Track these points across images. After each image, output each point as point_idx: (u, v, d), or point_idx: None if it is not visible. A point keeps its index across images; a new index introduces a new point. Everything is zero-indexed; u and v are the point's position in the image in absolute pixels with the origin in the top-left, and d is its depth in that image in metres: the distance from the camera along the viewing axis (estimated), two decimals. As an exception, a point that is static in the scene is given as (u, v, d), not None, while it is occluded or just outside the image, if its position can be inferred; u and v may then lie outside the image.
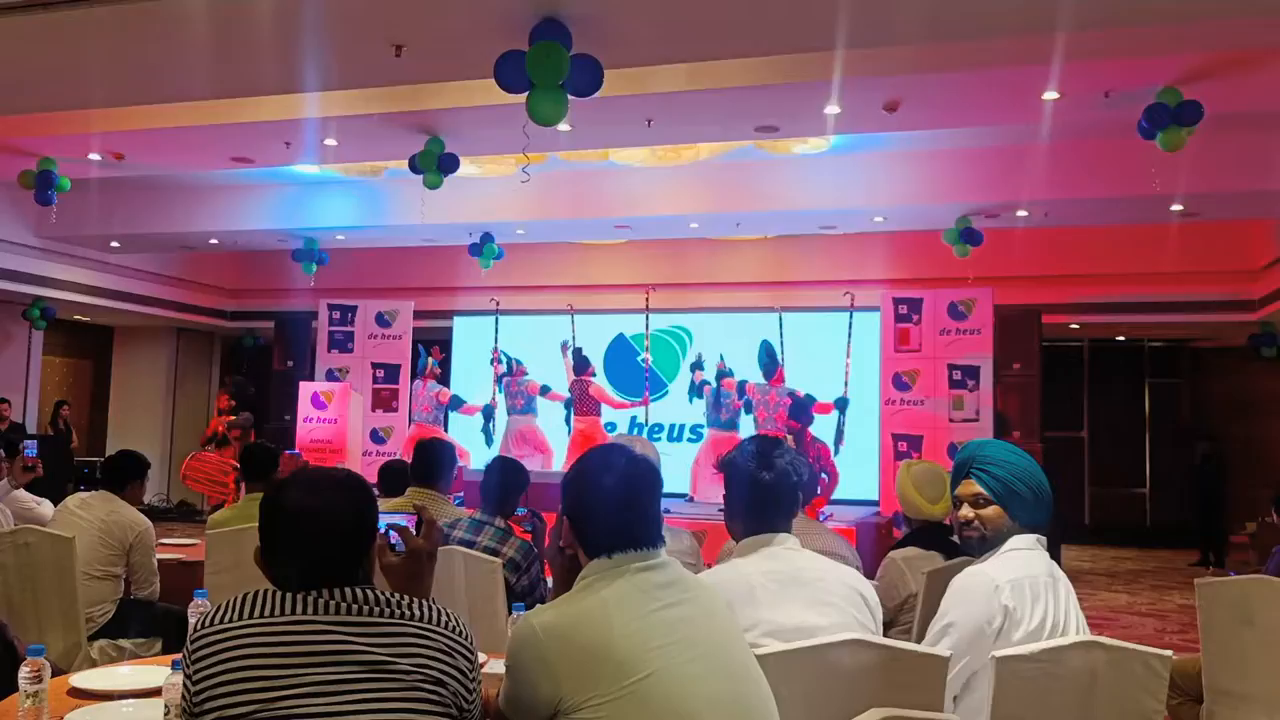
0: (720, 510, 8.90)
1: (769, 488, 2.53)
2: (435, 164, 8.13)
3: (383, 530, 2.03)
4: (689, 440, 13.47)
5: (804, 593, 2.40)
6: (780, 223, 11.58)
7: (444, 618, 1.79)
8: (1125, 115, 7.22)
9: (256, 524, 4.51)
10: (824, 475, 9.32)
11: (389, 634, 1.71)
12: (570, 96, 5.06)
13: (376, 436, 13.32)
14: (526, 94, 4.98)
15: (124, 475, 4.75)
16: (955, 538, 2.94)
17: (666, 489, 7.87)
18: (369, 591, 1.76)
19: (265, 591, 1.77)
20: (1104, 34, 5.76)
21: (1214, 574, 11.69)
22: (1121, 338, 14.94)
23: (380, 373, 13.52)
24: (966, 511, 2.76)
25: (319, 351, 13.68)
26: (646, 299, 12.66)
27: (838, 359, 11.63)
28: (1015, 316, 11.75)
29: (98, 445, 16.04)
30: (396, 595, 1.78)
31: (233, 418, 10.08)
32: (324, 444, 11.92)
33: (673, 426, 13.86)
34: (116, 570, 4.54)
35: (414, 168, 8.21)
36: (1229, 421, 14.40)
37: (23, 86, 5.97)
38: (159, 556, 4.88)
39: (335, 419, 11.90)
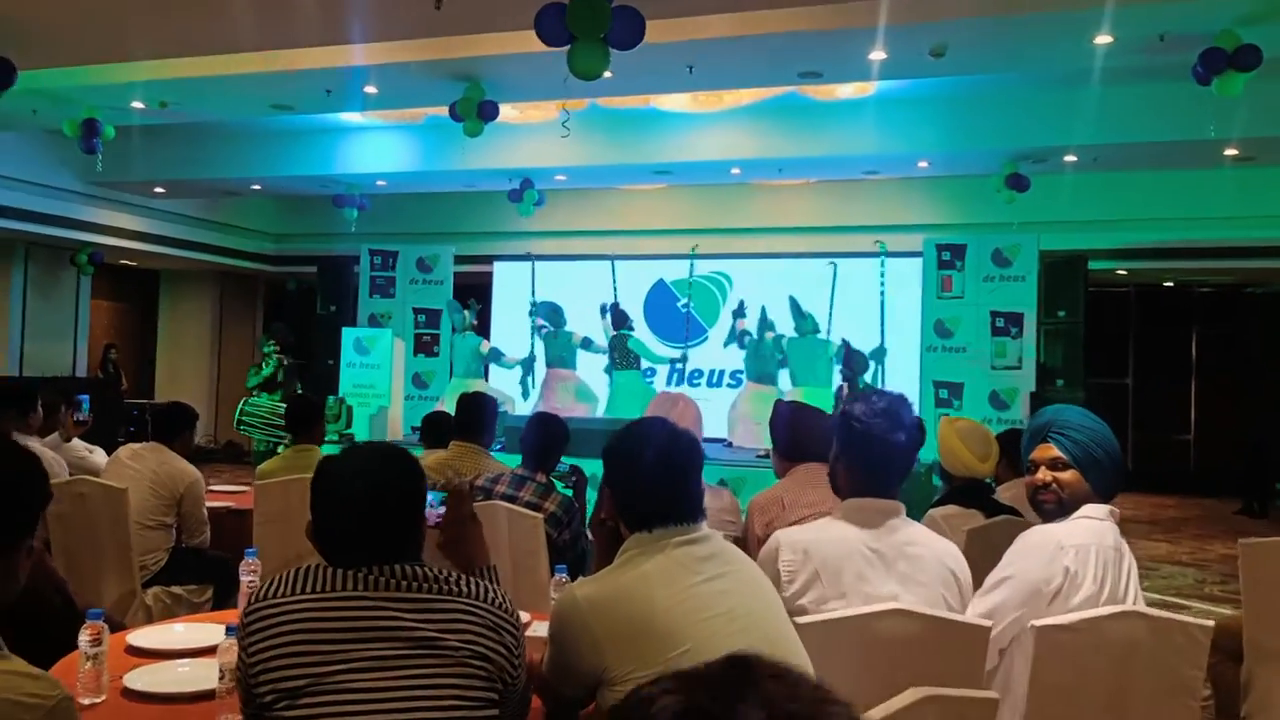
0: (761, 456, 8.94)
1: (898, 451, 2.40)
2: (475, 111, 8.09)
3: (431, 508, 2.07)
4: (729, 385, 13.47)
5: (899, 568, 2.35)
6: (823, 168, 11.44)
7: (490, 594, 1.82)
8: (1180, 58, 7.03)
9: (302, 475, 4.59)
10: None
11: (437, 610, 1.75)
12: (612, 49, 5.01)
13: (419, 381, 13.46)
14: (567, 47, 4.94)
15: (174, 426, 4.85)
16: (1030, 502, 2.84)
17: (706, 434, 7.85)
18: (418, 568, 1.80)
19: (317, 566, 1.80)
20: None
21: (1256, 522, 11.64)
22: (1170, 283, 14.68)
23: (422, 317, 13.62)
24: (1044, 475, 2.68)
25: (361, 297, 13.80)
26: (693, 250, 12.58)
27: (879, 306, 11.53)
28: (1060, 263, 11.57)
29: (146, 388, 16.34)
30: (445, 572, 1.81)
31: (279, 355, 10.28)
32: (366, 388, 12.05)
33: (711, 372, 13.86)
34: (168, 520, 4.65)
35: (454, 115, 8.18)
36: (1277, 369, 14.16)
37: (66, 40, 6.01)
38: (209, 505, 4.99)
39: (378, 364, 12.01)
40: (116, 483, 4.49)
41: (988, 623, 2.29)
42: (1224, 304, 14.81)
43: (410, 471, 1.86)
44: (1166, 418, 14.87)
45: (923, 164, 10.83)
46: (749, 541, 3.57)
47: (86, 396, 5.61)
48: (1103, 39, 6.98)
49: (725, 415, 12.07)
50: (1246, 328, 14.62)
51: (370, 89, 8.55)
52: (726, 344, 12.24)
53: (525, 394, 12.43)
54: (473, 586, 1.80)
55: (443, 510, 2.24)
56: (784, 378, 11.64)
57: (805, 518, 3.04)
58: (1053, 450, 2.68)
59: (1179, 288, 14.82)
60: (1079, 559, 2.49)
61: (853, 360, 10.04)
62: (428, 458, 4.55)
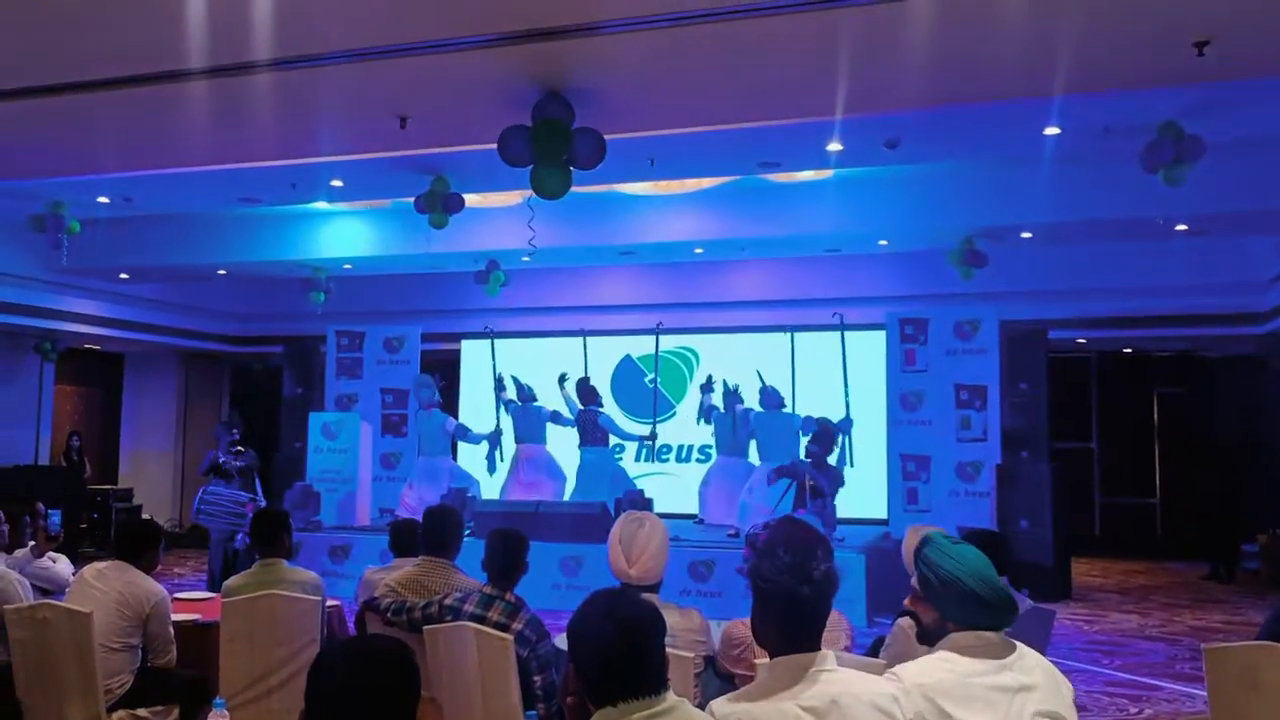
0: (731, 535, 8.95)
1: (805, 605, 2.38)
2: (441, 204, 8.20)
3: None
4: (697, 460, 13.52)
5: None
6: (784, 247, 11.61)
7: None
8: (1128, 145, 7.26)
9: (269, 591, 4.54)
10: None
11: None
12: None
13: (387, 462, 13.40)
14: (530, 168, 5.04)
15: (138, 545, 4.79)
16: None
17: (676, 510, 8.00)
18: None
19: None
20: (1101, 72, 5.79)
21: (1224, 588, 11.74)
22: (1129, 350, 14.94)
23: (389, 398, 13.61)
24: (908, 601, 2.75)
25: (328, 377, 13.77)
26: (658, 327, 12.67)
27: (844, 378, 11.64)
28: (1021, 335, 11.76)
29: (110, 472, 16.14)
30: None
31: (239, 449, 10.19)
32: (334, 473, 11.99)
33: (680, 447, 13.91)
34: (134, 640, 4.59)
35: (419, 208, 8.27)
36: (1238, 429, 14.38)
37: (35, 158, 6.06)
38: (174, 618, 4.93)
39: (345, 449, 11.96)
40: (81, 605, 4.43)
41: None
42: (1181, 369, 15.06)
43: (405, 672, 1.87)
44: (1131, 481, 15.03)
45: (882, 242, 11.02)
46: (718, 664, 3.59)
47: (58, 512, 5.55)
48: (1050, 130, 7.20)
49: (695, 490, 12.13)
50: (1203, 391, 14.87)
51: (336, 182, 8.64)
52: (698, 420, 12.31)
53: (492, 469, 12.38)
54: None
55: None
56: (753, 451, 11.71)
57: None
58: (914, 579, 2.72)
59: (1137, 354, 15.07)
60: (923, 701, 2.45)
61: (818, 437, 10.13)
62: (397, 572, 4.54)
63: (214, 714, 2.92)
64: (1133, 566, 13.56)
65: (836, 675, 2.38)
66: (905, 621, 3.95)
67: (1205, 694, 3.96)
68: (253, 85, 4.89)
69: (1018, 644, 2.58)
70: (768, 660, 2.51)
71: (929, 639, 2.64)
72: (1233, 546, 12.62)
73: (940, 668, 2.47)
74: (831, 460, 10.24)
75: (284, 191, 8.82)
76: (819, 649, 2.41)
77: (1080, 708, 6.33)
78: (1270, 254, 12.02)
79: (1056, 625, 6.43)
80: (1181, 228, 9.84)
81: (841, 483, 10.15)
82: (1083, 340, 13.87)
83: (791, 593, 2.38)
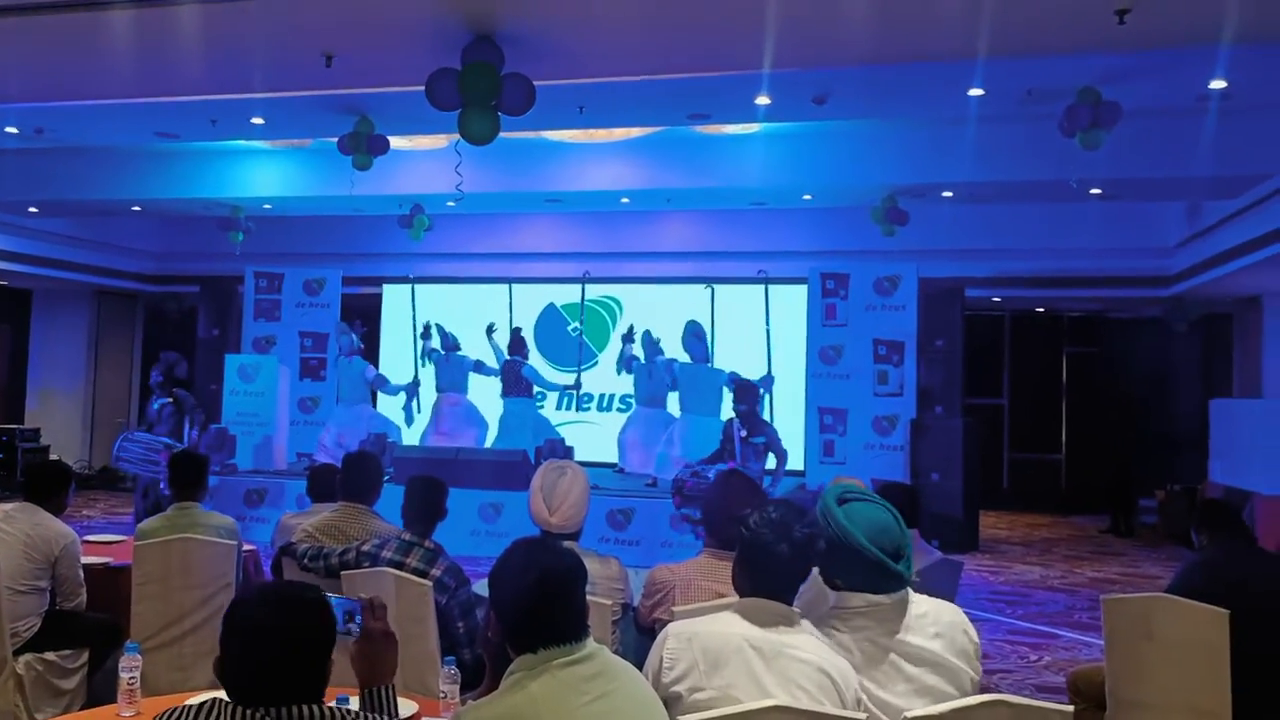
0: (649, 485, 9.03)
1: (782, 561, 2.49)
2: (364, 145, 8.05)
3: (338, 617, 2.10)
4: (619, 410, 13.58)
5: (779, 666, 2.40)
6: (710, 199, 11.65)
7: None
8: (1047, 108, 7.41)
9: (184, 535, 4.48)
10: (774, 457, 9.57)
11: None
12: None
13: (305, 406, 13.23)
14: (458, 112, 4.97)
15: (47, 486, 4.68)
16: None
17: (596, 459, 8.12)
18: (316, 709, 1.84)
19: (215, 702, 1.85)
20: (1026, 37, 5.89)
21: (1122, 541, 12.22)
22: (1041, 309, 15.33)
23: (308, 341, 13.41)
24: None
25: (245, 320, 13.50)
26: (584, 276, 12.63)
27: (765, 333, 11.73)
28: (938, 293, 11.99)
29: (17, 411, 15.66)
30: (343, 711, 1.86)
31: (168, 400, 9.82)
32: (251, 416, 11.81)
33: (602, 397, 13.96)
34: (42, 583, 4.50)
35: (343, 149, 8.11)
36: (1142, 389, 14.91)
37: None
38: (84, 560, 4.84)
39: (261, 392, 11.76)
40: (-14, 548, 4.33)
41: (862, 715, 2.40)
42: (1091, 329, 15.53)
43: (320, 618, 1.89)
44: (1039, 438, 15.51)
45: (806, 196, 11.11)
46: (638, 613, 3.64)
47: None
48: (975, 91, 7.31)
49: (615, 439, 12.19)
50: (1111, 351, 15.36)
51: (257, 120, 8.41)
52: (618, 370, 12.34)
53: (409, 419, 12.30)
54: (367, 726, 1.84)
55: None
56: (673, 401, 11.80)
57: (699, 601, 3.13)
58: None
59: (1049, 314, 15.48)
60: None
61: (745, 394, 10.18)
62: (315, 518, 4.51)
63: (125, 657, 2.89)
64: (1038, 520, 14.03)
65: (793, 631, 2.46)
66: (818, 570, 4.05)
67: (1101, 642, 4.13)
68: (175, 17, 4.73)
69: (918, 599, 2.66)
70: (711, 603, 2.58)
71: (830, 584, 2.70)
72: (1132, 502, 13.11)
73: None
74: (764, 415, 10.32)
75: (204, 128, 8.55)
76: (790, 605, 2.49)
77: (983, 655, 6.60)
78: (1180, 219, 12.40)
79: (964, 576, 6.64)
80: (1096, 191, 10.09)
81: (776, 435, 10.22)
82: (998, 299, 14.19)
83: (769, 547, 2.49)
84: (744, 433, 9.23)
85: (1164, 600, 3.97)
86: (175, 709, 1.88)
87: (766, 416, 10.85)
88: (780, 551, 2.48)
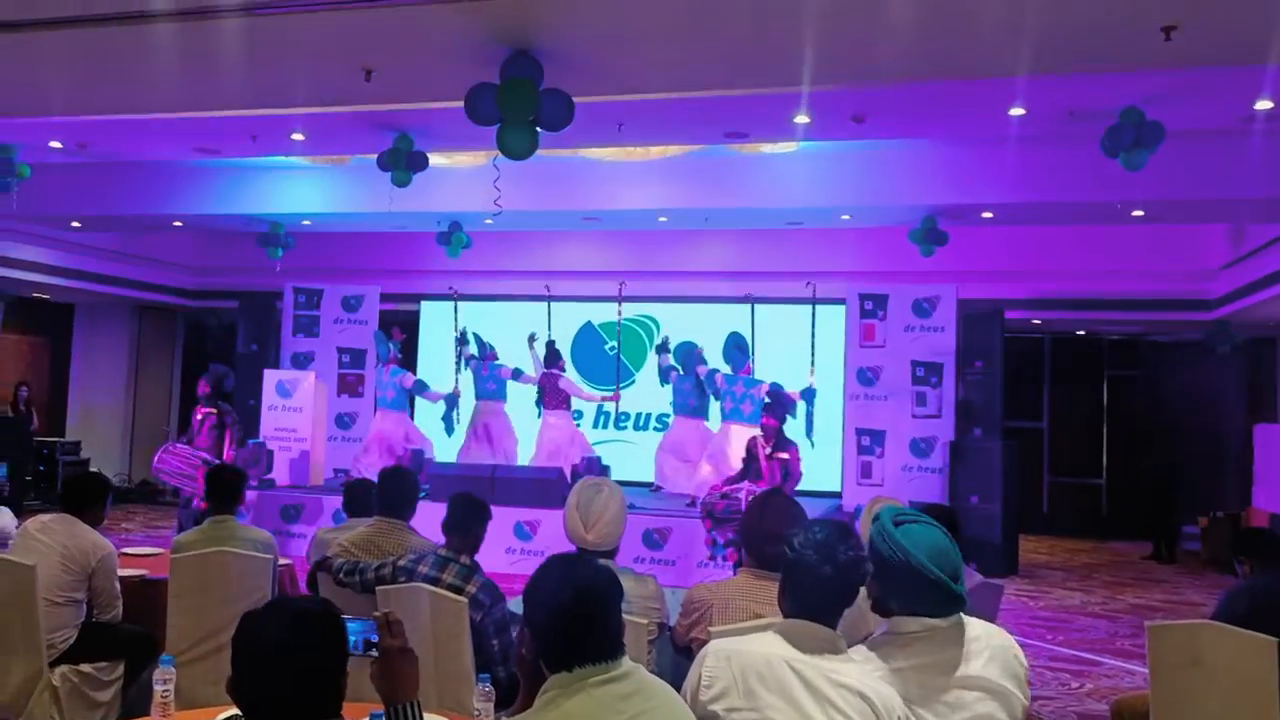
0: (689, 505, 8.94)
1: (827, 583, 2.44)
2: (404, 162, 8.08)
3: (353, 643, 2.06)
4: (655, 429, 13.54)
5: (821, 691, 2.35)
6: (748, 218, 11.62)
7: None
8: (1089, 128, 7.32)
9: (219, 548, 4.50)
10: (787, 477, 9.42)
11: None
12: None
13: (342, 422, 13.30)
14: (497, 127, 4.98)
15: (85, 498, 4.71)
16: None
17: (633, 478, 8.10)
18: None
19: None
20: (1069, 54, 5.83)
21: (1164, 567, 12.00)
22: (1082, 332, 15.14)
23: (346, 357, 13.49)
24: None
25: (284, 335, 13.61)
26: (620, 288, 12.62)
27: (804, 350, 11.62)
28: (978, 314, 11.87)
29: (58, 424, 15.88)
30: None
31: (209, 410, 9.88)
32: (289, 432, 11.88)
33: (639, 415, 13.93)
34: (79, 595, 4.52)
35: (382, 165, 8.16)
36: (1184, 414, 14.67)
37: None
38: (121, 573, 4.87)
39: (300, 408, 11.84)
40: (25, 558, 4.36)
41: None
42: (1132, 352, 15.31)
43: (331, 634, 1.85)
44: (1079, 462, 15.28)
45: (845, 216, 11.06)
46: (674, 632, 3.60)
47: (4, 464, 5.43)
48: (1016, 110, 7.23)
49: (653, 457, 12.14)
50: (1152, 375, 15.14)
51: (297, 136, 8.48)
52: (661, 381, 12.24)
53: (450, 430, 12.31)
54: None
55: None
56: (714, 412, 11.72)
57: (737, 621, 3.09)
58: None
59: (1090, 336, 15.28)
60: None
61: (779, 405, 10.07)
62: (350, 533, 4.51)
63: (160, 670, 2.89)
64: (1078, 545, 13.82)
65: (836, 655, 2.41)
66: (860, 594, 3.99)
67: (1144, 669, 4.04)
68: (217, 30, 4.77)
69: (970, 622, 2.60)
70: (749, 623, 2.53)
71: (879, 611, 2.65)
72: (1174, 528, 12.88)
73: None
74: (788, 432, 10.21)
75: (244, 143, 8.64)
76: (834, 629, 2.45)
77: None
78: (1222, 242, 12.22)
79: (1003, 601, 6.54)
80: (1138, 213, 9.96)
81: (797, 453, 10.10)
82: (1038, 321, 14.03)
83: (813, 569, 2.44)
84: (768, 449, 9.14)
85: (1210, 627, 3.88)
86: None
87: (808, 431, 10.78)
88: (825, 574, 2.43)
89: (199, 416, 9.83)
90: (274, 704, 1.79)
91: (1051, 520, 14.89)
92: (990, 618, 4.26)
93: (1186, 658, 3.85)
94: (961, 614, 2.59)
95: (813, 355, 11.33)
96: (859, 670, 2.40)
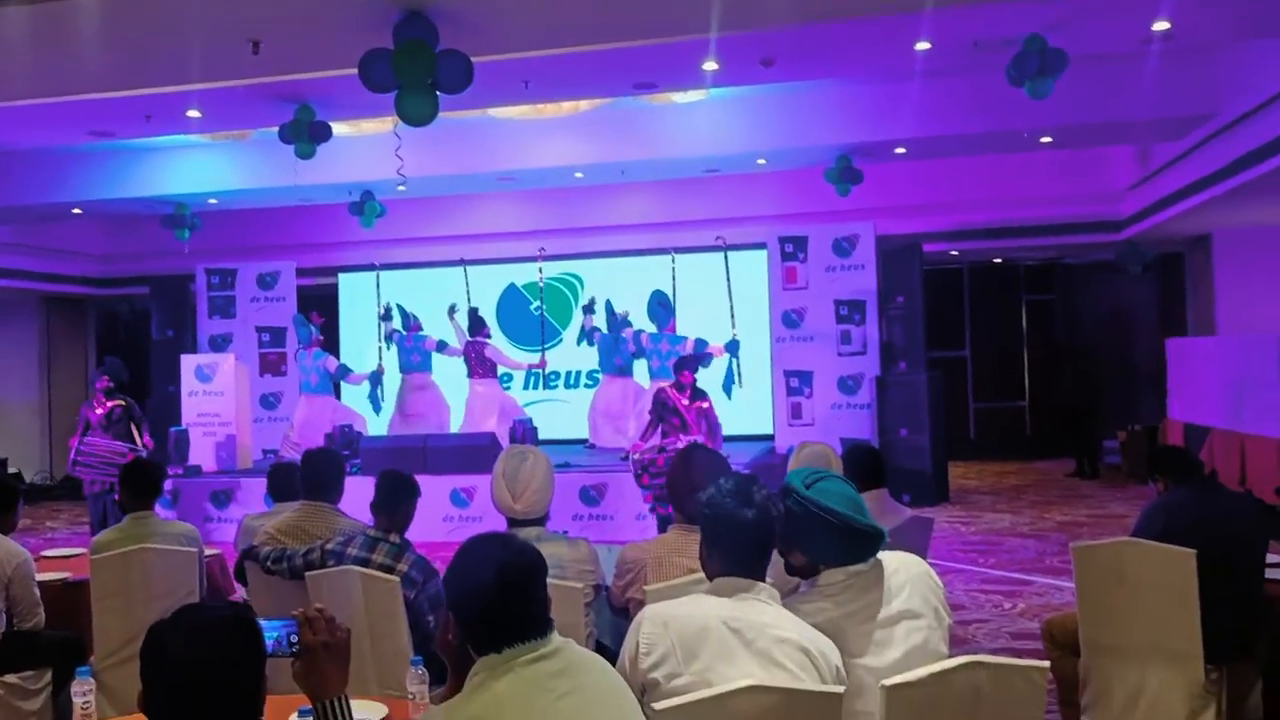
0: (622, 459, 8.93)
1: (750, 527, 2.46)
2: (306, 134, 7.88)
3: (270, 646, 2.00)
4: (586, 386, 13.52)
5: (759, 647, 2.37)
6: (664, 169, 11.55)
7: None
8: (995, 57, 7.37)
9: (141, 545, 4.37)
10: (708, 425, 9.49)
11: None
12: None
13: (267, 402, 13.07)
14: (394, 93, 4.84)
15: (-4, 504, 4.55)
16: None
17: (567, 436, 8.13)
18: None
19: None
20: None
21: (1088, 483, 12.35)
22: (998, 260, 15.39)
23: (266, 336, 13.22)
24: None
25: (199, 318, 13.28)
26: (540, 249, 12.52)
27: (727, 300, 11.69)
28: (897, 250, 11.99)
29: (-30, 426, 15.34)
30: None
31: (117, 403, 9.65)
32: (212, 416, 11.61)
33: (569, 374, 13.89)
34: (-3, 604, 4.38)
35: (284, 138, 7.94)
36: (1100, 333, 15.07)
37: None
38: (42, 577, 4.72)
39: (222, 391, 11.56)
40: (-63, 571, 4.20)
41: (840, 688, 2.36)
42: (1047, 276, 15.64)
43: (245, 642, 1.78)
44: (1002, 387, 15.63)
45: (761, 161, 11.05)
46: (610, 593, 3.60)
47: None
48: (921, 45, 7.25)
49: (585, 416, 12.15)
50: (1068, 297, 15.50)
51: (193, 113, 8.20)
52: (579, 341, 12.28)
53: (376, 408, 12.15)
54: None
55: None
56: (640, 371, 11.74)
57: (672, 578, 3.09)
58: None
59: (1006, 263, 15.55)
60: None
61: (691, 360, 10.02)
62: (277, 519, 4.42)
63: (77, 682, 2.77)
64: (1005, 467, 14.16)
65: (769, 608, 2.43)
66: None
67: (1073, 585, 4.15)
68: (95, 9, 4.55)
69: (887, 558, 2.67)
70: (683, 580, 2.54)
71: (802, 574, 2.70)
72: (1095, 444, 13.25)
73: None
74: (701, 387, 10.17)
75: (139, 124, 8.33)
76: (762, 580, 2.46)
77: (959, 606, 6.63)
78: (1129, 164, 12.47)
79: (936, 529, 6.67)
80: (1046, 140, 10.11)
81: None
82: (955, 252, 14.23)
83: (734, 516, 2.46)
84: (686, 401, 9.17)
85: (1132, 544, 3.98)
86: None
87: (734, 381, 10.86)
88: (746, 517, 2.45)
89: (101, 411, 9.58)
90: (187, 718, 1.72)
91: (979, 445, 15.24)
92: (922, 551, 4.34)
93: (1110, 575, 3.96)
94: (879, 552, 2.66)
95: (731, 305, 11.37)
96: (795, 622, 2.42)
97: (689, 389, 8.94)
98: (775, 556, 2.61)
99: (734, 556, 2.48)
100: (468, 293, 12.47)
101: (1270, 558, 4.11)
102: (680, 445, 8.36)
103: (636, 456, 8.65)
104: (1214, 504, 4.10)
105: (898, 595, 2.61)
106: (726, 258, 11.48)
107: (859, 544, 2.58)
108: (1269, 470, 7.67)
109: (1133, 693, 3.92)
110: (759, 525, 2.47)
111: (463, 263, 12.60)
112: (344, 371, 11.95)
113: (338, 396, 12.63)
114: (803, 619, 2.48)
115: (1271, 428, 7.79)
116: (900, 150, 10.60)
